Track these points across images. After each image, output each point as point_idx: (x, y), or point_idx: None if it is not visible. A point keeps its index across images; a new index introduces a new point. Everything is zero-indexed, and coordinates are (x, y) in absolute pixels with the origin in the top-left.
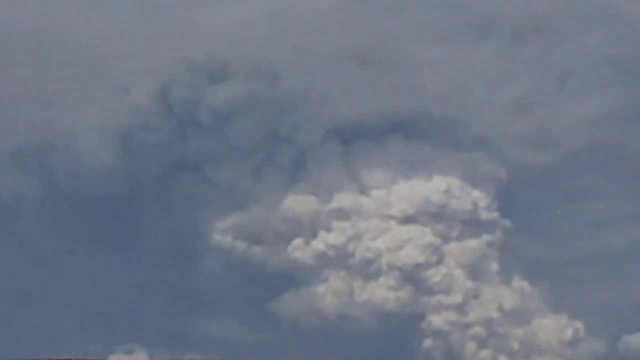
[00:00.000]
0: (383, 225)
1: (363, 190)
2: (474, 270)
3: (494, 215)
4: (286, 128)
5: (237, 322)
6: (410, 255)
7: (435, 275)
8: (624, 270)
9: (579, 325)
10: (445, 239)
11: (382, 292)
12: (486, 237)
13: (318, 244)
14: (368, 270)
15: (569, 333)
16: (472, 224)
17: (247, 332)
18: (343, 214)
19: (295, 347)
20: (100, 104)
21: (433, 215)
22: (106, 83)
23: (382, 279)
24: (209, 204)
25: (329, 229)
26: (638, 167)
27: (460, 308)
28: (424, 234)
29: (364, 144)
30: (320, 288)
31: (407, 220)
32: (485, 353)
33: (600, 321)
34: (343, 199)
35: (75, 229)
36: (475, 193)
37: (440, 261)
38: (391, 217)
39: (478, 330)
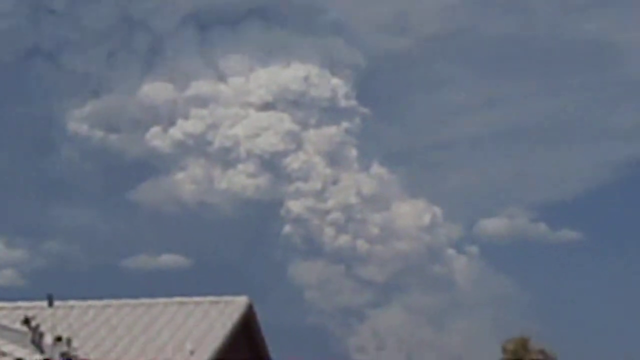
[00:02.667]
0: (241, 113)
1: (221, 77)
2: (333, 157)
3: (353, 102)
4: (141, 13)
5: (95, 211)
6: (269, 142)
7: (294, 162)
8: (480, 155)
9: (436, 210)
10: (304, 126)
11: (241, 180)
12: (345, 125)
13: (176, 132)
14: (227, 158)
15: (427, 218)
16: (331, 112)
17: (106, 221)
18: (201, 102)
19: (154, 235)
20: None
21: (292, 102)
22: None
23: (240, 167)
24: (63, 91)
25: (186, 117)
26: (494, 53)
27: (319, 194)
28: (283, 121)
29: (221, 29)
30: (179, 176)
31: (265, 107)
32: (344, 238)
33: (458, 206)
34: (201, 86)
35: None
36: (334, 80)
37: (299, 148)
38: (249, 105)
39: (337, 215)
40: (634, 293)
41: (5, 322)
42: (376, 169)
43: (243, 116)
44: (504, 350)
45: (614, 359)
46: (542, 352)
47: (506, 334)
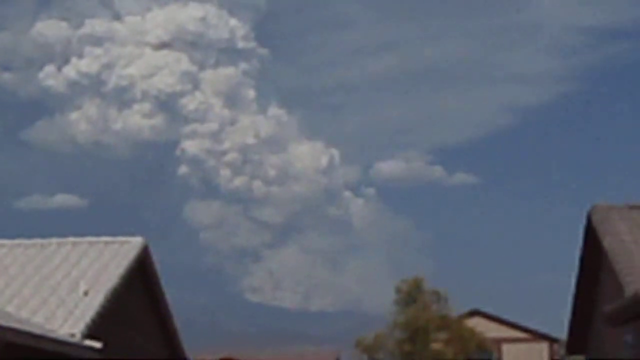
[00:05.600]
0: (137, 52)
1: (116, 16)
2: (230, 98)
3: (252, 44)
4: None
5: None
6: (165, 82)
7: (190, 103)
8: (378, 98)
9: (334, 152)
10: (202, 66)
11: (137, 120)
12: (243, 66)
13: (70, 71)
14: (122, 98)
15: (324, 160)
16: (229, 52)
17: (0, 161)
18: (96, 40)
19: (48, 175)
20: None
21: (189, 43)
22: None
23: (136, 107)
24: None
25: (81, 56)
26: None
27: (216, 135)
28: (180, 62)
29: None
30: (74, 116)
31: (162, 47)
32: (240, 179)
33: (355, 148)
34: (95, 25)
35: None
36: (233, 21)
37: (195, 89)
38: (146, 44)
39: (233, 156)
40: (524, 235)
41: None
42: (274, 110)
43: (139, 55)
44: (398, 290)
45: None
46: (435, 292)
47: (401, 275)
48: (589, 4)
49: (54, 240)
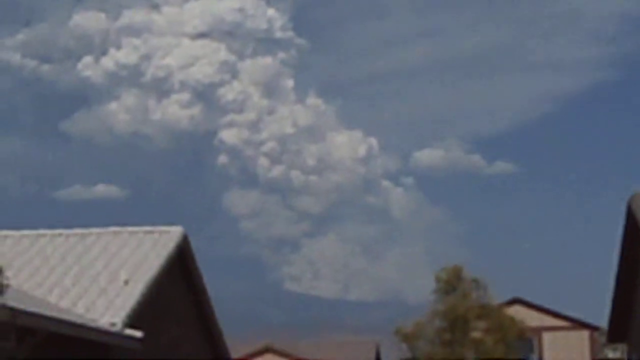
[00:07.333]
0: (175, 43)
1: (154, 6)
2: (269, 88)
3: (290, 33)
4: None
5: (28, 142)
6: (203, 72)
7: (228, 93)
8: (417, 87)
9: (372, 141)
10: (240, 56)
11: (175, 110)
12: (281, 55)
13: (108, 62)
14: (160, 88)
15: (363, 149)
16: (266, 42)
17: (39, 152)
18: (134, 31)
19: (88, 165)
20: None
21: (227, 33)
22: None
23: (174, 97)
24: None
25: (119, 47)
26: None
27: (254, 125)
28: (218, 51)
29: None
30: (112, 106)
31: (200, 37)
32: (279, 169)
33: (394, 137)
34: (133, 16)
35: None
36: (270, 11)
37: (234, 79)
38: (184, 35)
39: (272, 146)
40: (563, 224)
41: None
42: (312, 100)
43: (176, 46)
44: (438, 279)
45: (546, 287)
46: (474, 281)
47: (440, 264)
48: None
49: (95, 230)
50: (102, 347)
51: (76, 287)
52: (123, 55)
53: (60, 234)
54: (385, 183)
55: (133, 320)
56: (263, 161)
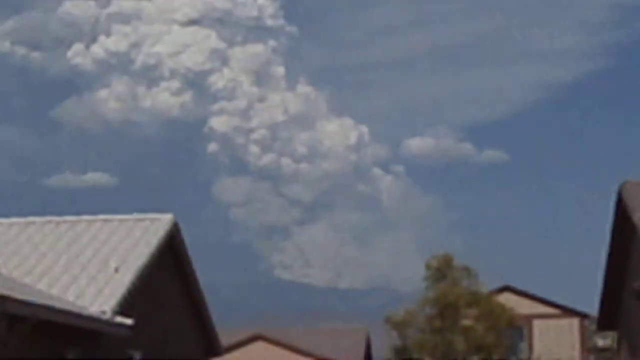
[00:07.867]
0: (165, 30)
1: None
2: (259, 76)
3: (280, 21)
4: None
5: (18, 129)
6: (193, 60)
7: (219, 81)
8: (407, 75)
9: (363, 129)
10: (230, 44)
11: (165, 98)
12: (272, 43)
13: (98, 50)
14: (151, 76)
15: (354, 137)
16: (257, 30)
17: (30, 139)
18: (123, 18)
19: (78, 153)
20: None
21: (217, 20)
22: None
23: (164, 85)
24: None
25: (109, 34)
26: None
27: (245, 113)
28: (208, 39)
29: None
30: (103, 94)
31: (190, 24)
32: (269, 157)
33: (384, 125)
34: (123, 3)
35: None
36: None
37: (224, 66)
38: (174, 22)
39: (262, 134)
40: (553, 211)
41: None
42: (303, 87)
43: (167, 33)
44: (428, 267)
45: (536, 274)
46: (465, 268)
47: (430, 252)
48: None
49: (85, 217)
50: (93, 335)
51: (66, 275)
52: (113, 43)
53: (50, 222)
54: (376, 171)
55: (123, 308)
56: (253, 149)
